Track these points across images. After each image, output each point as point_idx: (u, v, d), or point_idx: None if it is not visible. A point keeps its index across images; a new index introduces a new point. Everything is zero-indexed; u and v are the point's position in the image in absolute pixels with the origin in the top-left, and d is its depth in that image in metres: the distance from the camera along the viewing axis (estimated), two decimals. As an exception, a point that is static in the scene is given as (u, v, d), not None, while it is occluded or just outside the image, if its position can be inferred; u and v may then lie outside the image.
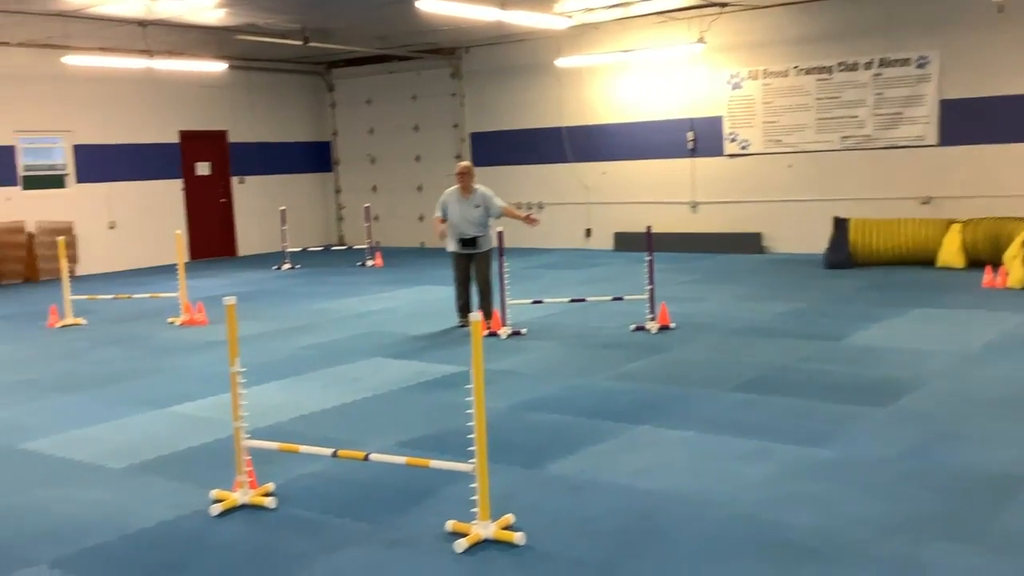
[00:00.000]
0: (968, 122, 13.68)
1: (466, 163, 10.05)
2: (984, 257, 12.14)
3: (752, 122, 15.50)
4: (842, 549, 4.15)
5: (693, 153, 16.04)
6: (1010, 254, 11.24)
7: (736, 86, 15.58)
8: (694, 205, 16.13)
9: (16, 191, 15.50)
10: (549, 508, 4.76)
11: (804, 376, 7.28)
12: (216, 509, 4.84)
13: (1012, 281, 10.99)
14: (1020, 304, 9.91)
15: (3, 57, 14.85)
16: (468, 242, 9.69)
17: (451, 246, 9.84)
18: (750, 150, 15.58)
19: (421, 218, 18.40)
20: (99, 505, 5.08)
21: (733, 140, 15.71)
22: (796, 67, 15.01)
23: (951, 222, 12.94)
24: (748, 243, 15.57)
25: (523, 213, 10.11)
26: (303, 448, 5.18)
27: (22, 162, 15.61)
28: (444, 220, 9.74)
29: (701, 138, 15.91)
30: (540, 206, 17.23)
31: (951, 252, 12.69)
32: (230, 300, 5.00)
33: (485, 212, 9.69)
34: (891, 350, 8.06)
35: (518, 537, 4.33)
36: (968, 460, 5.23)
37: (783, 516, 4.54)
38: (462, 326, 9.78)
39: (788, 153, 15.25)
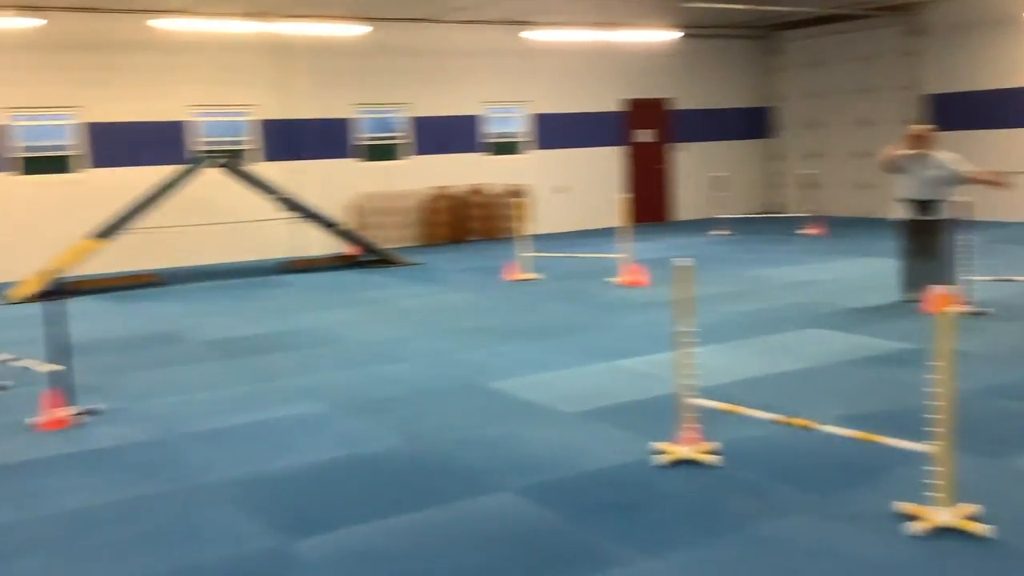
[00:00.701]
0: None
1: (925, 126, 9.38)
2: None
3: None
4: None
5: None
6: None
7: None
8: None
9: (479, 157, 17.18)
10: (1021, 503, 4.34)
11: None
12: (661, 460, 5.05)
13: None
14: None
15: (476, 34, 16.48)
16: (921, 207, 9.04)
17: (900, 212, 9.25)
18: None
19: (865, 187, 17.47)
20: (556, 444, 5.53)
21: None
22: None
23: None
24: None
25: (991, 176, 9.22)
26: (748, 411, 5.21)
27: (486, 130, 17.26)
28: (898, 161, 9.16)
29: None
30: (1008, 175, 15.52)
31: None
32: (683, 262, 5.14)
33: (942, 176, 8.97)
34: None
35: (984, 529, 4.00)
36: None
37: None
38: (909, 301, 9.18)
39: None
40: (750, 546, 4.07)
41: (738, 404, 5.45)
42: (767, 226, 16.97)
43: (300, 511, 4.68)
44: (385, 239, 15.21)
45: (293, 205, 13.51)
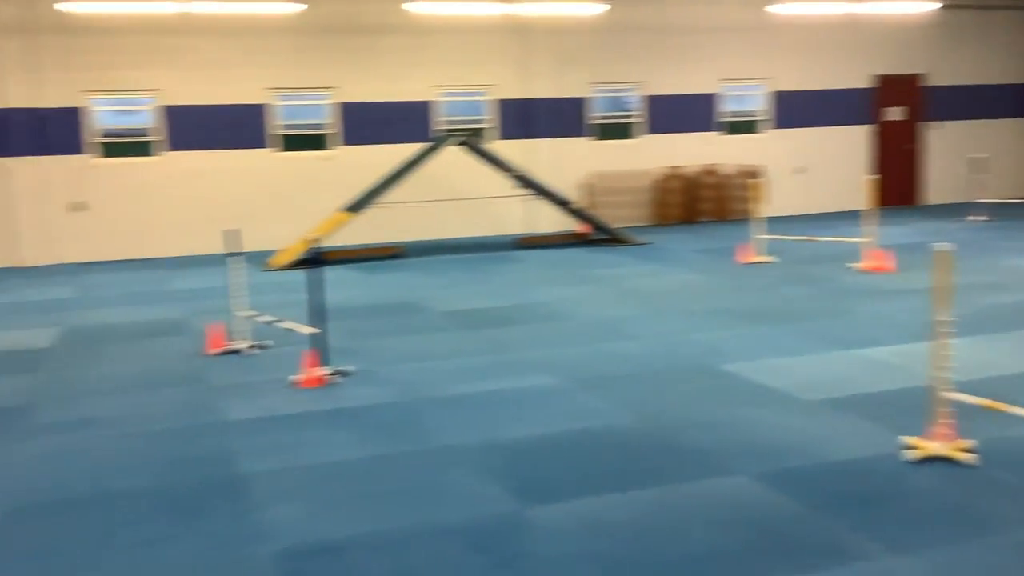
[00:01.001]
0: None
1: None
2: None
3: None
4: None
5: None
6: None
7: None
8: None
9: (714, 136, 16.81)
10: None
11: None
12: (911, 455, 4.78)
13: None
14: None
15: (716, 9, 16.11)
16: None
17: None
18: None
19: None
20: (795, 431, 5.36)
21: None
22: None
23: None
24: None
25: None
26: (1012, 409, 4.83)
27: (722, 109, 16.86)
28: None
29: None
30: None
31: None
32: (943, 247, 4.82)
33: None
34: None
35: None
36: None
37: None
38: None
39: None
40: (1009, 552, 3.79)
41: (999, 400, 5.06)
42: (1031, 212, 15.60)
43: (535, 479, 4.81)
44: (616, 218, 15.22)
45: (527, 183, 13.79)
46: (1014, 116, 18.35)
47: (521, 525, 4.26)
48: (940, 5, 16.12)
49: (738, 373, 6.65)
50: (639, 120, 16.38)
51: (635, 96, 16.34)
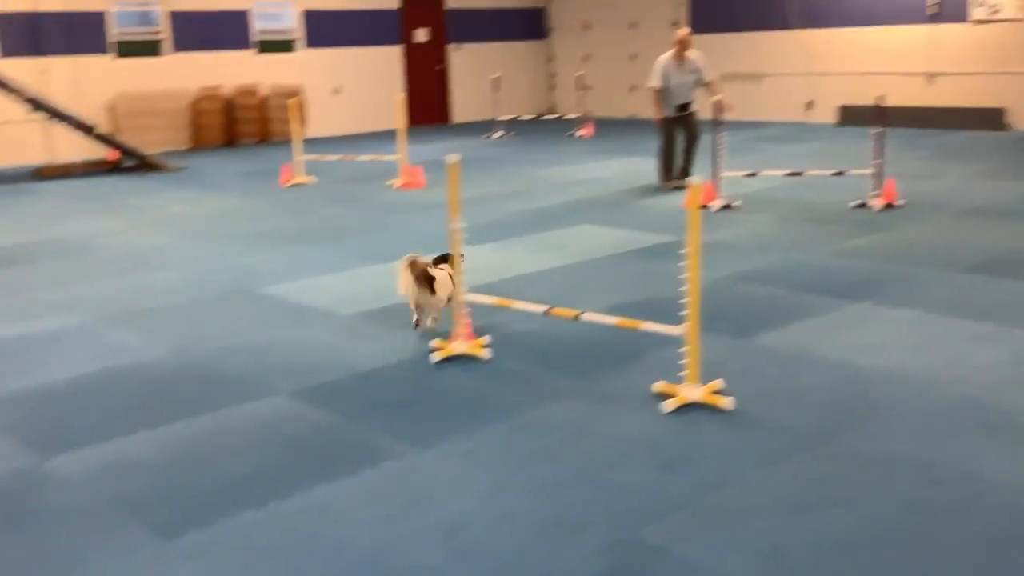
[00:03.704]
0: None
1: (685, 30, 10.04)
2: None
3: (1007, -16, 14.07)
4: (1077, 440, 3.92)
5: (933, 19, 14.77)
6: None
7: (991, -57, 14.12)
8: (931, 76, 14.94)
9: (250, 55, 16.37)
10: (758, 377, 4.73)
11: (1045, 262, 6.76)
12: (436, 356, 5.12)
13: None
14: None
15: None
16: (682, 108, 10.02)
17: (666, 111, 10.06)
18: (1001, 16, 14.17)
19: (634, 88, 18.06)
20: (331, 346, 5.49)
21: (981, 4, 14.31)
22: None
23: None
24: (989, 119, 14.35)
25: (720, 96, 9.37)
26: (517, 304, 5.35)
27: (256, 27, 16.42)
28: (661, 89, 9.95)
29: (945, 2, 14.62)
30: (755, 78, 16.54)
31: None
32: (453, 158, 5.14)
33: (697, 79, 9.88)
34: None
35: (726, 402, 4.34)
36: None
37: (1015, 400, 4.33)
38: (675, 188, 9.96)
39: (1046, 20, 13.79)
40: (516, 432, 4.22)
41: (513, 299, 5.57)
42: (543, 128, 17.26)
43: (56, 428, 4.42)
44: (149, 143, 14.30)
45: (42, 106, 12.42)
46: (523, 39, 20.04)
47: (39, 478, 3.91)
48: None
49: (277, 295, 6.63)
50: (165, 36, 15.42)
51: (158, 11, 15.32)
